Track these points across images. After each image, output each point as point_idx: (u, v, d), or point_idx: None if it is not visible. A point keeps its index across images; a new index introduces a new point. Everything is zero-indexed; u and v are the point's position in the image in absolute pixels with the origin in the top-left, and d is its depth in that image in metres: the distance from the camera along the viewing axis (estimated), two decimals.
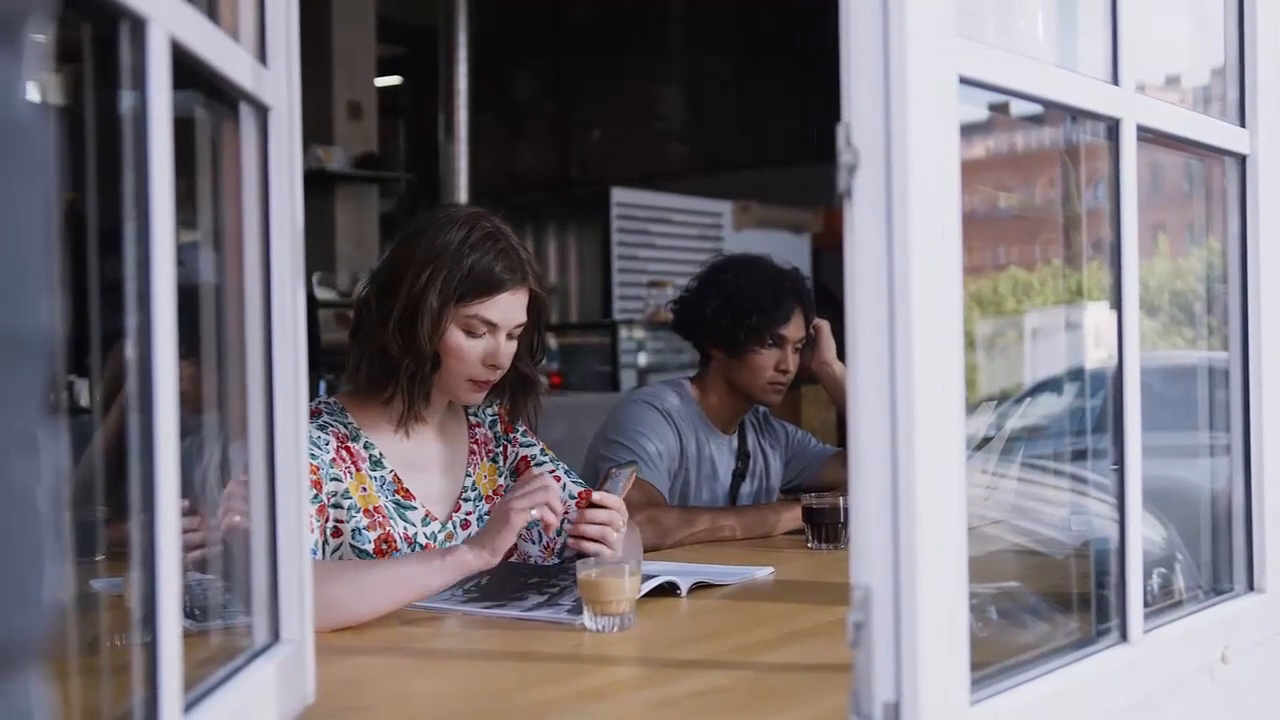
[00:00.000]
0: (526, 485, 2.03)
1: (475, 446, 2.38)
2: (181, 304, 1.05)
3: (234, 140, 1.35)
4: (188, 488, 1.07)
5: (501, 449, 2.41)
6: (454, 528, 2.29)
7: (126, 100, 1.02)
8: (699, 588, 2.18)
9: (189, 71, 1.12)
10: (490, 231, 2.20)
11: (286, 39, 1.38)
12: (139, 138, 1.01)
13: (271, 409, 1.37)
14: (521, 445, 2.43)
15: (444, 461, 2.32)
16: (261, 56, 1.35)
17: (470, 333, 2.19)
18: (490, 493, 2.36)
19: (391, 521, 2.19)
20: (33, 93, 0.60)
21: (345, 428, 2.21)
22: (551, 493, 2.01)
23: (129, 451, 1.03)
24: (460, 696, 1.62)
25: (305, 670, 1.41)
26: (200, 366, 1.33)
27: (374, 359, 2.20)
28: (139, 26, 1.00)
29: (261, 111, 1.35)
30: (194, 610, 1.34)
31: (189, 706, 1.09)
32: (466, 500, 2.33)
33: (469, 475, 2.35)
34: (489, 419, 2.42)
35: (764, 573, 2.36)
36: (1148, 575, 1.64)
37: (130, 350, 1.01)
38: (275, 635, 1.36)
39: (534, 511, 1.98)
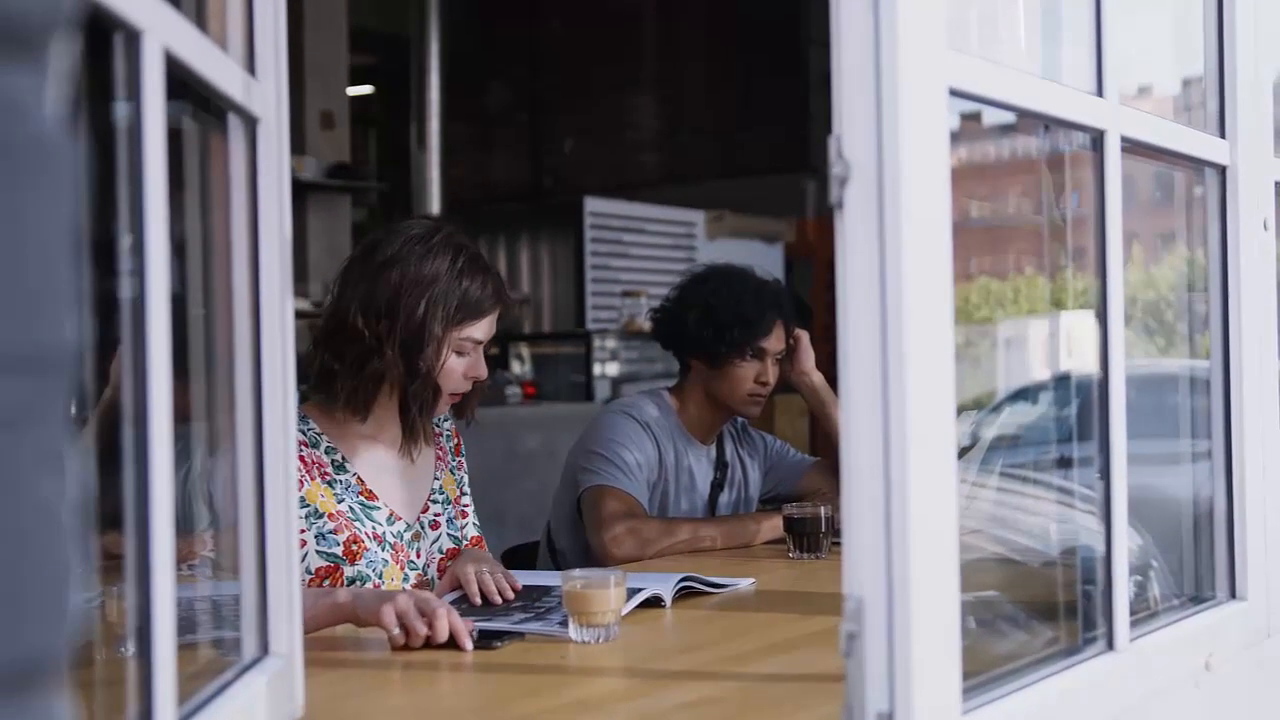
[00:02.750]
0: (417, 605, 1.87)
1: (440, 453, 2.46)
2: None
3: (222, 151, 1.34)
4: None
5: (457, 463, 2.51)
6: (422, 528, 2.36)
7: (120, 111, 1.01)
8: (686, 595, 2.18)
9: (178, 82, 1.11)
10: (473, 255, 2.30)
11: (275, 50, 1.38)
12: (133, 149, 1.00)
13: (260, 421, 1.36)
14: (464, 470, 2.53)
15: (410, 465, 2.38)
16: (250, 68, 1.34)
17: (460, 353, 2.28)
18: (453, 499, 2.45)
19: (357, 522, 2.24)
20: (57, 107, 0.60)
21: (304, 434, 2.26)
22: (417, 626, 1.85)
23: (111, 463, 1.02)
24: (447, 710, 1.62)
25: (295, 684, 1.40)
26: (186, 377, 1.33)
27: (370, 383, 2.25)
28: (133, 38, 0.99)
29: (250, 123, 1.34)
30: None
31: None
32: (435, 502, 2.41)
33: (437, 479, 2.43)
34: (446, 433, 2.50)
35: (746, 583, 2.36)
36: None
37: (125, 363, 1.00)
38: (264, 649, 1.36)
39: (395, 632, 1.83)
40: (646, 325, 3.25)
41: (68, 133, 0.61)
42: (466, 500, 2.51)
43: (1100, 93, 1.53)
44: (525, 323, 8.27)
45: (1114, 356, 1.54)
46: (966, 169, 1.77)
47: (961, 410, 2.22)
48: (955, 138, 1.49)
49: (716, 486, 3.13)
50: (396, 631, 1.84)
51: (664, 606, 2.12)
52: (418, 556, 2.34)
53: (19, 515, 0.55)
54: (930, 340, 1.20)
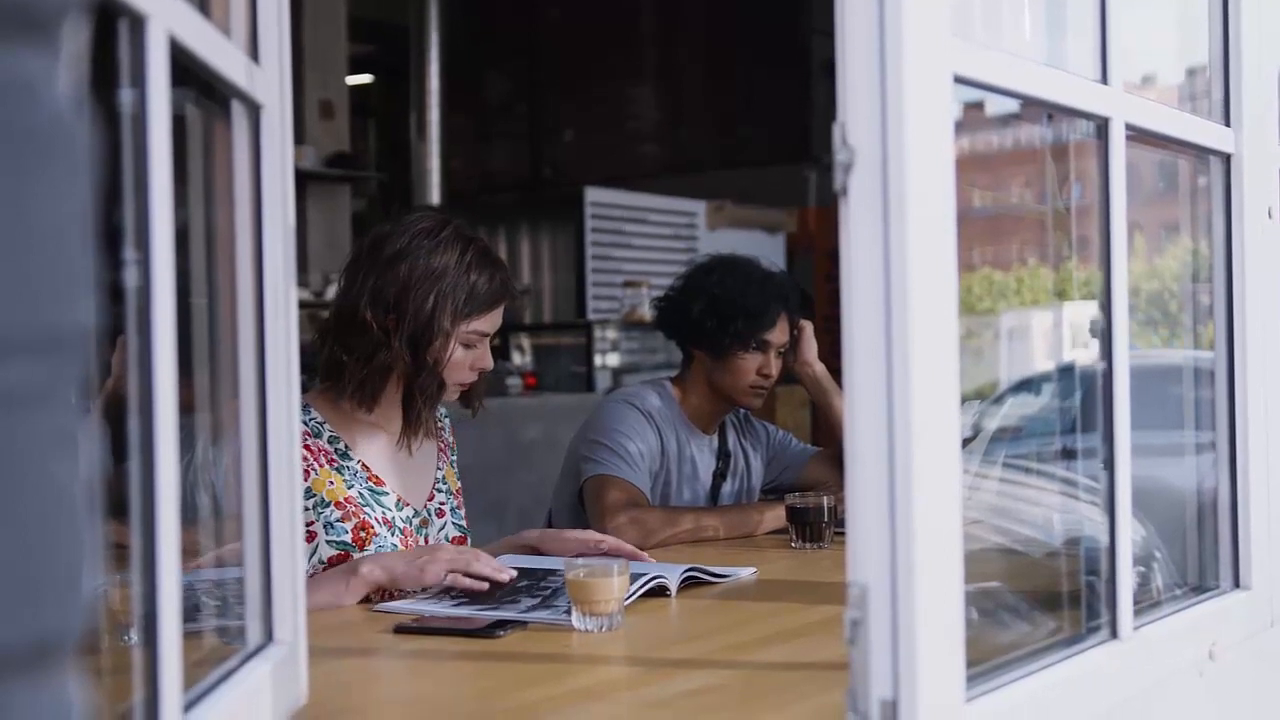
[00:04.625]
0: (461, 555, 2.11)
1: (442, 445, 2.49)
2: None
3: (225, 139, 1.34)
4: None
5: (454, 459, 2.54)
6: (429, 514, 2.39)
7: (124, 97, 1.01)
8: (688, 585, 2.19)
9: (182, 69, 1.11)
10: (481, 249, 2.32)
11: (279, 37, 1.37)
12: (138, 135, 1.00)
13: (264, 409, 1.36)
14: (456, 468, 2.56)
15: (415, 455, 2.39)
16: (254, 54, 1.34)
17: (467, 345, 2.30)
18: (455, 490, 2.49)
19: (367, 508, 2.27)
20: (70, 88, 0.60)
21: (306, 424, 2.27)
22: (474, 565, 2.10)
23: (112, 450, 1.02)
24: (451, 698, 1.61)
25: (299, 671, 1.40)
26: (189, 366, 1.32)
27: (378, 374, 2.27)
28: (138, 23, 0.99)
29: (254, 110, 1.34)
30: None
31: (187, 707, 1.08)
32: (440, 491, 2.44)
33: (439, 469, 2.45)
34: (446, 426, 2.54)
35: (748, 573, 2.36)
36: None
37: (130, 351, 1.00)
38: (269, 636, 1.36)
39: (449, 579, 2.07)
40: (649, 315, 3.25)
41: (80, 115, 0.61)
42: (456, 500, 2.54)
43: (1105, 80, 1.53)
44: (526, 313, 8.27)
45: (1118, 346, 1.54)
46: (969, 158, 1.77)
47: (964, 401, 2.22)
48: (958, 127, 1.49)
49: (719, 477, 3.13)
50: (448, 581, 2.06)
51: (669, 595, 2.12)
52: (425, 542, 2.36)
53: (34, 496, 0.55)
54: (934, 327, 1.19)
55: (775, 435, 3.29)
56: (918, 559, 1.16)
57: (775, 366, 3.03)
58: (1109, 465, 1.54)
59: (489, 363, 2.36)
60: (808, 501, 2.69)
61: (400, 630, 1.89)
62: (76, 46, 0.62)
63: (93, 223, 0.62)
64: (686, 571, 2.20)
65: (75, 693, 0.59)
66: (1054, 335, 2.13)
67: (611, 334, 7.59)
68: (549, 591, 2.06)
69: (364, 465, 2.31)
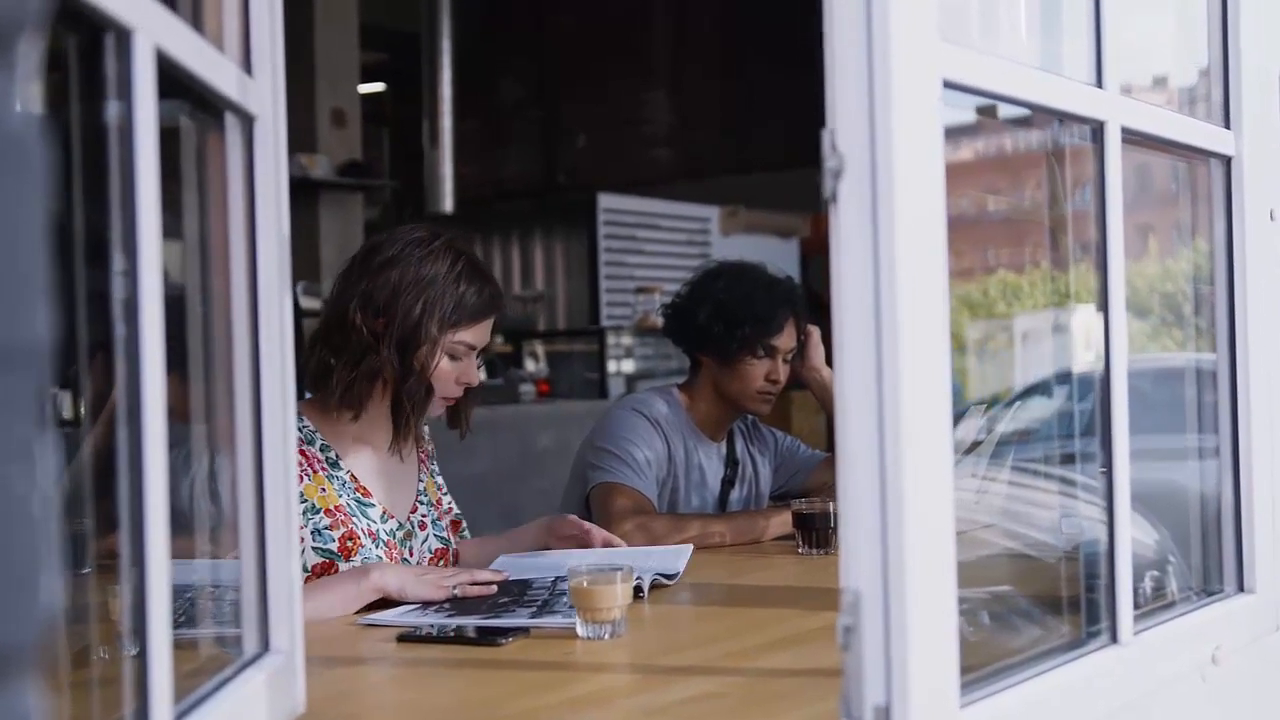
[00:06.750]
0: (461, 575, 2.19)
1: (423, 457, 2.52)
2: (166, 316, 1.05)
3: (219, 150, 1.34)
4: (175, 500, 1.07)
5: (435, 468, 2.56)
6: (413, 527, 2.42)
7: (112, 110, 1.02)
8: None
9: (173, 81, 1.12)
10: (471, 261, 2.35)
11: (271, 48, 1.38)
12: (125, 148, 1.01)
13: (260, 419, 1.36)
14: (438, 475, 2.57)
15: (397, 467, 2.42)
16: (247, 66, 1.35)
17: (452, 356, 2.33)
18: (435, 501, 2.50)
19: (354, 519, 2.29)
20: (27, 103, 0.60)
21: (300, 432, 2.29)
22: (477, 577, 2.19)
23: (116, 464, 1.02)
24: (451, 706, 1.61)
25: (295, 680, 1.40)
26: (186, 378, 1.33)
27: (365, 379, 2.28)
28: (124, 37, 0.99)
29: (247, 121, 1.34)
30: (179, 619, 1.33)
31: (179, 716, 1.08)
32: (422, 503, 2.46)
33: (421, 481, 2.48)
34: (426, 433, 2.56)
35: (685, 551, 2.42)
36: (1140, 578, 1.64)
37: (118, 362, 1.01)
38: (265, 645, 1.36)
39: (457, 590, 2.13)
40: (660, 321, 3.26)
41: (39, 130, 0.61)
42: (448, 500, 2.56)
43: (1100, 84, 1.52)
44: (539, 320, 8.27)
45: (1116, 348, 1.53)
46: (983, 162, 1.77)
47: (977, 405, 2.21)
48: (972, 131, 1.49)
49: (727, 483, 3.13)
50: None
51: (642, 599, 2.12)
52: (410, 555, 2.39)
53: None
54: (925, 333, 1.19)
55: (783, 441, 3.29)
56: (909, 565, 1.16)
57: (783, 372, 3.03)
58: (1108, 468, 1.54)
59: (474, 378, 2.38)
60: (814, 507, 2.68)
61: (403, 639, 1.89)
62: (33, 61, 0.62)
63: (51, 236, 0.62)
64: (654, 575, 2.23)
65: (33, 703, 0.59)
66: (1066, 338, 2.12)
67: (625, 340, 7.58)
68: (539, 602, 2.06)
69: (353, 476, 2.33)
